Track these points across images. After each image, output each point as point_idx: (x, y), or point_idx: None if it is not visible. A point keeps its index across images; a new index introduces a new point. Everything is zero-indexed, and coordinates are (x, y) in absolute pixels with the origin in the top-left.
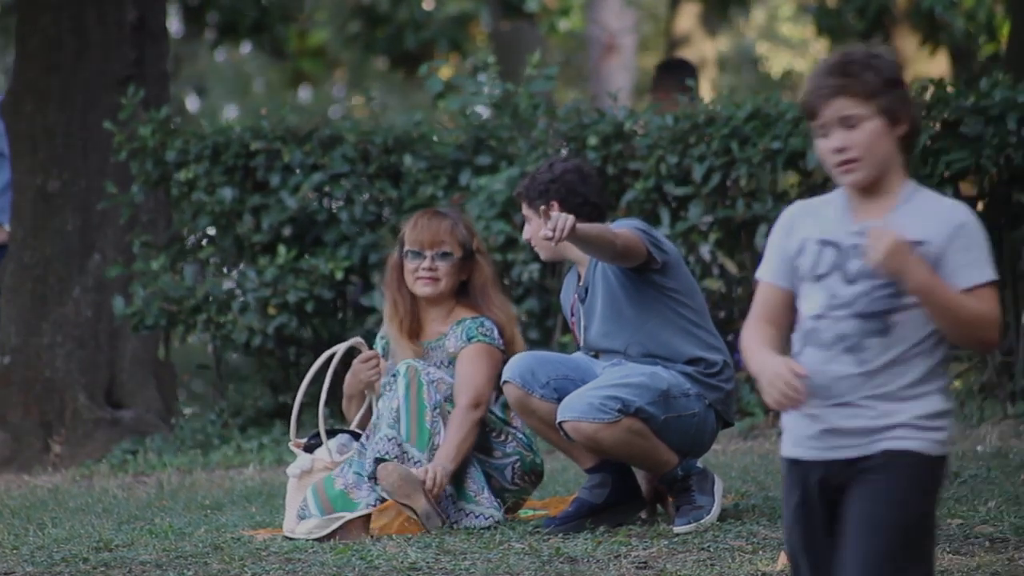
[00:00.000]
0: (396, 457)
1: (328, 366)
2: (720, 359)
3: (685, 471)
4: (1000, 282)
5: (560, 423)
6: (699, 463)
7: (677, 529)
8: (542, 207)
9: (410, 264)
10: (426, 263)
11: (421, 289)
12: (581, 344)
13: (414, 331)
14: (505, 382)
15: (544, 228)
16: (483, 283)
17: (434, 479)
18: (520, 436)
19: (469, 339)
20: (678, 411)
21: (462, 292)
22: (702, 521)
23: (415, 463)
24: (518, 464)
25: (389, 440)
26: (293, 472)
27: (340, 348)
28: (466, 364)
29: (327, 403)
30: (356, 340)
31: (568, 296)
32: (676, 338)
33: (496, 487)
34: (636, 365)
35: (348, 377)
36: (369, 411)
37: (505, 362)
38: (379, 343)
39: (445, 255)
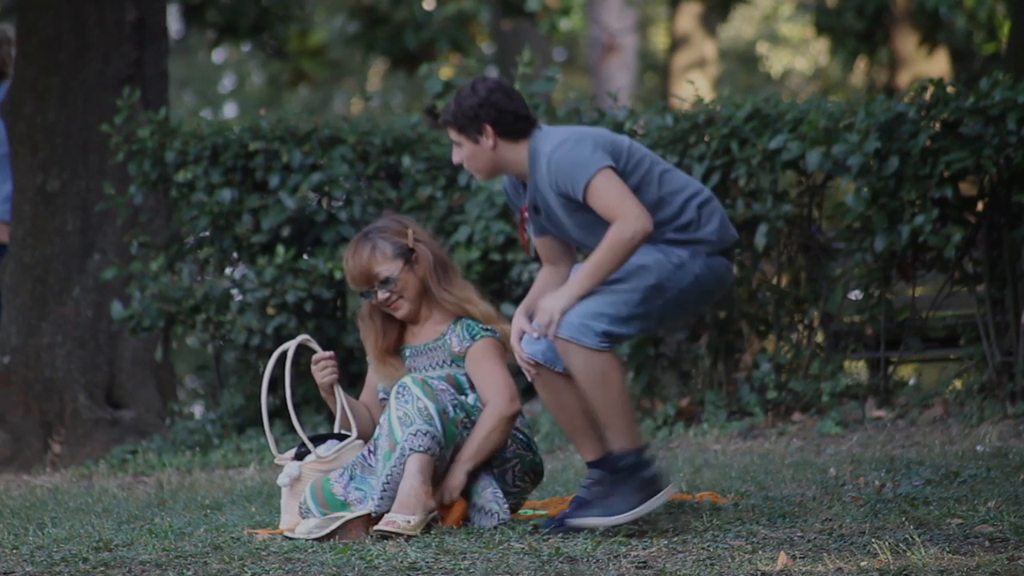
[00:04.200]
0: (428, 449)
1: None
2: (688, 217)
3: (631, 465)
4: (1000, 282)
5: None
6: (665, 474)
7: (570, 521)
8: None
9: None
10: (377, 298)
11: (396, 316)
12: (531, 254)
13: (390, 347)
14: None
15: (531, 331)
16: (426, 275)
17: (451, 491)
18: (520, 437)
19: (472, 337)
20: (677, 287)
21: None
22: (593, 522)
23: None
24: (518, 467)
25: (425, 435)
26: (283, 482)
27: (290, 346)
28: (484, 362)
29: (302, 406)
30: (303, 337)
31: (516, 200)
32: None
33: None
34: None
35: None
36: (343, 410)
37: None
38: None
39: (385, 282)
